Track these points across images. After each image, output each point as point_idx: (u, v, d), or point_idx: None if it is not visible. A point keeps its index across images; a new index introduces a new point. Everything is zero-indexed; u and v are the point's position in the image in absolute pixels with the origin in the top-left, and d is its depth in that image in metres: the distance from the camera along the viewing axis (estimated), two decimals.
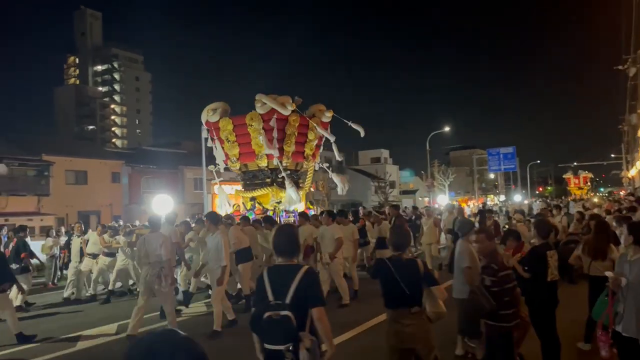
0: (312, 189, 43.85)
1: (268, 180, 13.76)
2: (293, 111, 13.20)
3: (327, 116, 14.34)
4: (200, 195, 25.09)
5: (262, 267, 9.35)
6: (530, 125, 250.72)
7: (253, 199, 13.72)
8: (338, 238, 9.14)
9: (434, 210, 15.99)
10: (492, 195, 74.48)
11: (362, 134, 14.71)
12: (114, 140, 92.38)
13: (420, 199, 64.50)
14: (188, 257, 9.94)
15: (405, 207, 32.23)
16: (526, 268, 5.12)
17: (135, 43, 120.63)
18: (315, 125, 13.80)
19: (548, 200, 35.88)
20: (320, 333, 3.07)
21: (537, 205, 25.63)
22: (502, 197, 72.16)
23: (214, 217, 7.91)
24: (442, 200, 51.40)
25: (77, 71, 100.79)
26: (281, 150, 13.25)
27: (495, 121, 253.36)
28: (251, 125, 13.14)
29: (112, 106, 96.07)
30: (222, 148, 14.05)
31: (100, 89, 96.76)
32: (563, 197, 55.70)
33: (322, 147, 15.16)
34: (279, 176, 13.55)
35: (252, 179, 14.07)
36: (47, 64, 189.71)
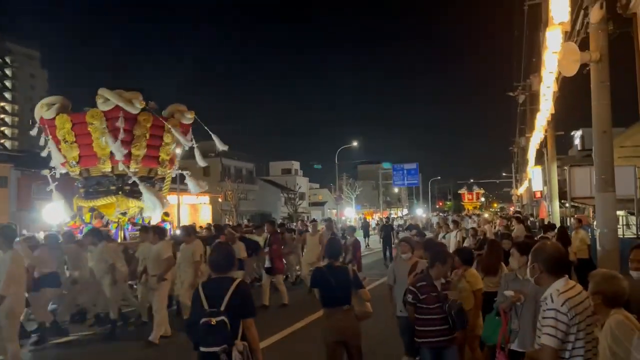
0: (220, 199, 43.10)
1: (113, 187, 12.20)
2: (144, 110, 11.87)
3: (188, 117, 13.14)
4: None
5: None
6: (433, 143, 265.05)
7: (93, 209, 12.17)
8: (167, 257, 7.92)
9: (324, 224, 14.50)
10: (396, 209, 77.59)
11: (220, 148, 13.91)
12: (2, 140, 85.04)
13: (328, 210, 65.65)
14: None
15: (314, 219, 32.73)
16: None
17: (32, 38, 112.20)
18: (170, 127, 12.45)
19: (447, 215, 37.98)
20: (249, 340, 3.49)
21: (435, 220, 27.05)
22: (405, 211, 75.39)
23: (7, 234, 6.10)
24: (349, 212, 52.77)
25: None
26: (128, 154, 11.84)
27: (400, 137, 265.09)
28: (92, 124, 11.54)
29: (2, 104, 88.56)
30: (59, 149, 12.31)
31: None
32: (461, 212, 59.25)
33: (180, 152, 14.10)
34: (127, 183, 12.21)
35: (95, 186, 12.39)
36: None
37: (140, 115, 11.80)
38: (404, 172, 52.07)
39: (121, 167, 11.88)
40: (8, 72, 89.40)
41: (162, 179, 13.66)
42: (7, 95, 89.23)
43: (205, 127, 13.41)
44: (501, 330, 4.29)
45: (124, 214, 12.13)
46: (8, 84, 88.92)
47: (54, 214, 13.57)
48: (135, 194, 12.36)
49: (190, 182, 14.06)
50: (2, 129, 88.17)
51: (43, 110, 12.38)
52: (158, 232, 8.26)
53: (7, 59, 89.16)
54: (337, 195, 49.09)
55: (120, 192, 12.12)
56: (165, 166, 13.14)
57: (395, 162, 57.06)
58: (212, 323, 3.35)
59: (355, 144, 46.41)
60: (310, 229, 13.57)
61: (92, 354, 7.46)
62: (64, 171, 12.85)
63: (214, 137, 13.41)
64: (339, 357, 4.59)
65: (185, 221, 23.28)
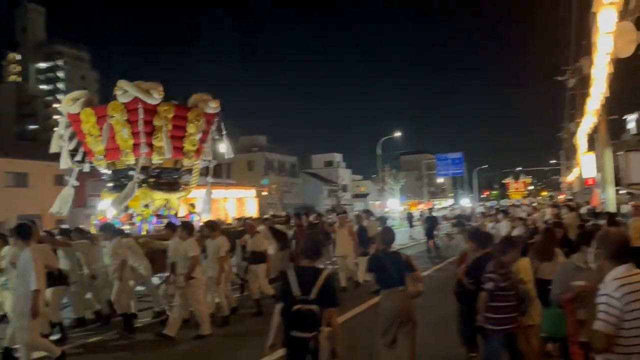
0: (264, 193, 43.55)
1: (137, 180, 11.96)
2: (165, 100, 11.64)
3: (213, 107, 12.71)
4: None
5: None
6: (479, 131, 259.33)
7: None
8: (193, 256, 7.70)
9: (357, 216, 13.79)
10: (440, 199, 76.49)
11: (229, 155, 13.80)
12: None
13: (371, 202, 65.47)
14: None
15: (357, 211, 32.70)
16: (471, 280, 5.27)
17: (82, 40, 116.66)
18: (197, 117, 12.16)
19: (493, 205, 37.14)
20: (333, 328, 3.72)
21: (481, 210, 26.48)
22: (450, 201, 74.23)
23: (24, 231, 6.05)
24: (393, 204, 52.43)
25: (19, 68, 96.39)
26: (150, 146, 11.55)
27: (445, 127, 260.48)
28: (113, 117, 11.33)
29: (56, 105, 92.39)
30: (86, 144, 12.22)
31: (43, 87, 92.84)
32: (499, 201, 57.63)
33: (209, 142, 13.39)
34: (151, 175, 12.02)
35: (121, 179, 12.13)
36: None
37: (161, 106, 11.46)
38: (448, 162, 51.26)
39: (142, 159, 11.51)
40: (60, 74, 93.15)
41: (190, 171, 13.38)
42: (60, 96, 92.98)
43: (222, 129, 13.20)
44: (569, 322, 4.18)
45: (147, 206, 11.90)
46: (61, 85, 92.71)
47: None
48: (160, 186, 12.17)
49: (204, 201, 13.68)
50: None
51: (68, 105, 12.21)
52: (186, 228, 8.01)
53: (59, 62, 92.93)
54: (380, 186, 48.83)
55: (144, 185, 11.86)
56: (191, 157, 12.69)
57: (439, 152, 56.25)
58: (303, 310, 3.62)
59: (398, 134, 46.01)
60: (337, 222, 12.98)
61: (135, 352, 7.33)
62: (81, 167, 12.73)
63: (225, 141, 13.43)
64: (392, 331, 4.97)
65: (233, 214, 23.70)
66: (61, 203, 12.45)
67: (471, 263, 5.50)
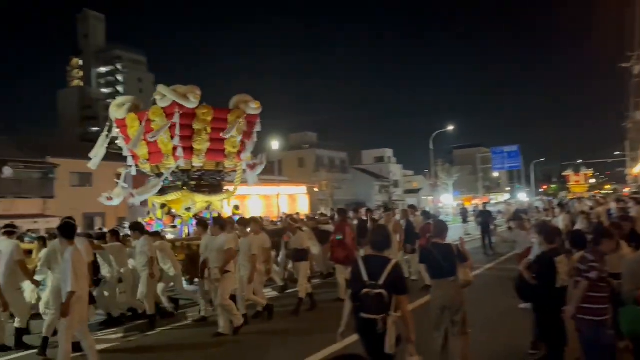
0: (315, 189, 43.74)
1: (179, 183, 12.11)
2: (203, 104, 11.67)
3: (253, 108, 12.58)
4: None
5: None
6: (536, 123, 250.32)
7: (163, 205, 12.27)
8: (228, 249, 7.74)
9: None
10: (496, 194, 74.39)
11: (244, 158, 13.38)
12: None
13: (424, 198, 64.49)
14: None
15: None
16: (534, 275, 5.14)
17: (138, 44, 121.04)
18: (237, 119, 12.05)
19: (552, 199, 35.78)
20: (403, 313, 3.99)
21: (540, 205, 25.53)
22: (507, 196, 72.08)
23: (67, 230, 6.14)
24: (446, 199, 51.46)
25: (81, 73, 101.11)
26: (190, 149, 11.68)
27: (500, 119, 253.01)
28: (154, 121, 11.48)
29: None
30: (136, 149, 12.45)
31: (103, 90, 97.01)
32: (559, 195, 55.31)
33: (251, 143, 13.26)
34: (193, 178, 12.14)
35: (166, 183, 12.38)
36: (52, 67, 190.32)
37: (199, 109, 11.51)
38: (504, 155, 49.64)
39: (181, 162, 11.62)
40: (120, 77, 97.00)
41: (234, 172, 13.32)
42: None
43: (256, 133, 13.08)
44: None
45: (188, 209, 11.95)
46: (120, 88, 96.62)
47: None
48: (201, 188, 12.20)
49: (250, 175, 13.43)
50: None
51: (115, 110, 12.53)
52: (219, 223, 8.11)
53: (118, 66, 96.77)
54: (433, 181, 48.02)
55: (185, 187, 12.01)
56: (232, 159, 12.63)
57: (494, 145, 54.65)
58: (372, 294, 3.87)
59: (450, 128, 45.06)
60: (382, 218, 12.68)
61: (165, 350, 7.31)
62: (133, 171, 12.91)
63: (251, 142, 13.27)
64: (444, 320, 5.17)
65: (285, 211, 23.97)
66: (115, 195, 12.65)
67: (536, 257, 5.37)
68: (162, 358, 6.98)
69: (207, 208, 12.32)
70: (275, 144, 34.92)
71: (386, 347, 3.80)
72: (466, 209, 31.41)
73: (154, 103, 11.66)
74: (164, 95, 11.36)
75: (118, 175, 13.21)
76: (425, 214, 13.30)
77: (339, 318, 4.11)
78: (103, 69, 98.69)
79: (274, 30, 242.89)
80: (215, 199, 12.50)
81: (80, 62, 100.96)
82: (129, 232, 9.92)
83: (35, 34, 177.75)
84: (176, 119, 11.21)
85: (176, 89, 11.46)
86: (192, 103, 11.29)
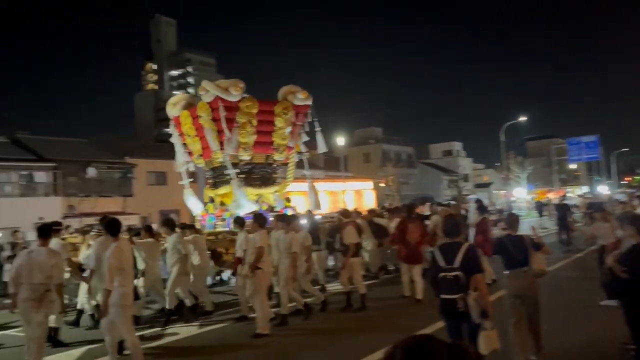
0: (382, 184, 43.33)
1: (228, 177, 11.96)
2: (246, 96, 11.47)
3: (301, 98, 12.23)
4: None
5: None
6: (616, 111, 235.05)
7: (212, 199, 12.29)
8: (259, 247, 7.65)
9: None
10: (573, 187, 70.63)
11: (323, 150, 13.40)
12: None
13: (495, 192, 62.37)
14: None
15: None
16: (625, 268, 4.86)
17: (207, 47, 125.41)
18: (283, 110, 11.84)
19: (635, 191, 33.49)
20: (480, 292, 4.28)
21: (622, 197, 23.95)
22: (585, 189, 68.26)
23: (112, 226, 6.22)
24: (519, 192, 49.47)
25: (155, 77, 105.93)
26: (234, 142, 11.53)
27: (577, 109, 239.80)
28: (201, 117, 11.55)
29: None
30: (187, 144, 12.70)
31: (175, 92, 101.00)
32: None
33: (301, 135, 12.89)
34: (242, 171, 11.93)
35: (218, 177, 12.34)
36: (129, 72, 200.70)
37: (243, 102, 11.34)
38: (581, 146, 47.20)
39: (224, 156, 11.52)
40: (190, 79, 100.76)
41: (286, 164, 13.04)
42: None
43: (315, 122, 12.63)
44: None
45: (236, 202, 11.82)
46: (191, 90, 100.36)
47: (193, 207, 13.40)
48: (252, 181, 12.03)
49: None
50: None
51: (171, 108, 12.73)
52: (257, 220, 8.00)
53: (189, 68, 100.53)
54: (505, 175, 46.28)
55: (233, 181, 11.80)
56: (282, 151, 12.41)
57: (570, 136, 51.98)
58: (449, 276, 4.29)
59: (523, 118, 43.21)
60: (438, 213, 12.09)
61: (202, 348, 7.19)
62: (190, 166, 13.15)
63: (319, 138, 12.93)
64: (518, 310, 5.28)
65: (350, 207, 23.99)
66: (189, 204, 13.07)
67: (627, 250, 5.09)
68: (206, 358, 6.83)
69: (257, 201, 12.16)
70: (340, 140, 34.99)
71: (474, 317, 4.20)
72: (542, 203, 30.14)
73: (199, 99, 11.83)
74: (208, 90, 11.40)
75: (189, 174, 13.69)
76: (481, 208, 12.49)
77: (385, 317, 4.19)
78: (175, 72, 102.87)
79: (339, 28, 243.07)
80: (266, 191, 12.35)
81: (154, 67, 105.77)
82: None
83: (112, 42, 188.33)
84: (221, 113, 11.16)
85: (219, 83, 11.52)
86: (234, 96, 11.18)
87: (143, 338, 7.18)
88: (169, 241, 8.76)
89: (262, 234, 7.69)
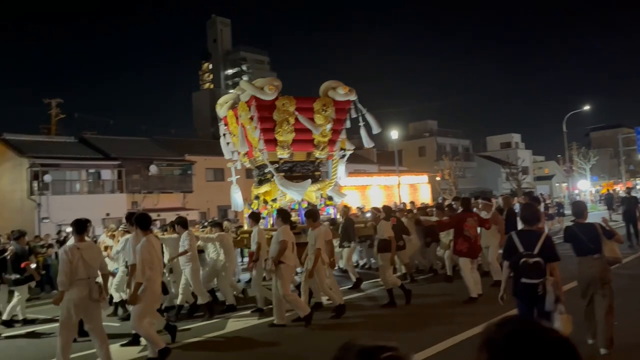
0: (437, 178, 42.63)
1: (269, 175, 12.03)
2: (282, 94, 11.43)
3: (342, 94, 11.95)
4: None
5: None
6: None
7: (257, 197, 12.41)
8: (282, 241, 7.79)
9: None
10: None
11: (375, 130, 12.79)
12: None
13: (557, 185, 59.99)
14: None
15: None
16: None
17: (261, 45, 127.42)
18: (324, 106, 11.65)
19: None
20: (555, 277, 4.58)
21: None
22: None
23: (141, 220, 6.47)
24: (583, 185, 47.36)
25: (211, 76, 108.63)
26: (273, 141, 11.55)
27: None
28: (241, 116, 11.71)
29: None
30: (234, 143, 12.82)
31: (231, 91, 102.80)
32: None
33: (343, 132, 12.72)
34: (282, 169, 11.86)
35: (261, 175, 12.47)
36: (187, 72, 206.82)
37: (279, 100, 11.28)
38: None
39: (262, 154, 11.63)
40: (245, 78, 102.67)
41: (329, 161, 12.90)
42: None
43: (362, 109, 12.31)
44: None
45: (274, 200, 11.88)
46: None
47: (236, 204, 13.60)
48: (292, 179, 11.86)
49: (341, 167, 12.90)
50: None
51: (218, 108, 13.04)
52: (280, 215, 8.16)
53: (244, 67, 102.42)
54: (567, 167, 44.43)
55: (272, 179, 11.80)
56: (322, 149, 12.20)
57: (639, 125, 49.11)
58: (530, 262, 4.56)
59: (586, 108, 41.31)
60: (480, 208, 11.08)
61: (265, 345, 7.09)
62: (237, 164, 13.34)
63: (369, 118, 12.53)
64: (589, 296, 5.45)
65: (406, 200, 23.78)
66: (233, 201, 13.27)
67: None
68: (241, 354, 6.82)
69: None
70: (394, 134, 34.70)
71: (546, 306, 4.45)
72: (612, 195, 28.70)
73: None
74: (244, 90, 11.45)
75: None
76: (534, 199, 11.64)
77: (425, 316, 4.14)
78: (230, 71, 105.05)
79: (393, 20, 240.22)
80: (308, 189, 12.12)
81: (210, 66, 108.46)
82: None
83: (171, 44, 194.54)
84: (255, 111, 11.20)
85: (255, 82, 11.52)
86: (267, 95, 11.07)
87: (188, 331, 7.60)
88: (180, 240, 8.88)
89: (284, 229, 7.83)
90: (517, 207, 10.98)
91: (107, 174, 29.17)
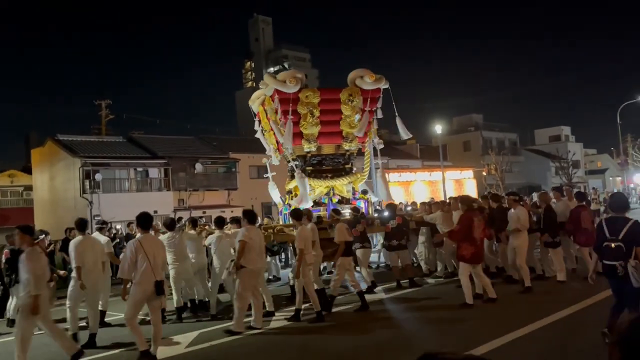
0: (484, 173, 41.56)
1: (297, 170, 11.83)
2: (305, 87, 11.25)
3: (369, 82, 11.32)
4: (369, 183, 25.51)
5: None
6: None
7: (289, 192, 12.27)
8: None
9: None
10: None
11: (404, 136, 12.49)
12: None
13: (610, 178, 57.54)
14: None
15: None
16: None
17: (301, 42, 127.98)
18: (350, 96, 11.26)
19: None
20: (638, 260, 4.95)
21: None
22: None
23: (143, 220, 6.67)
24: (639, 179, 45.20)
25: (253, 75, 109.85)
26: (299, 134, 11.21)
27: None
28: (267, 111, 11.73)
29: None
30: (266, 139, 13.06)
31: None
32: None
33: (374, 123, 12.20)
34: (310, 164, 11.66)
35: (292, 170, 12.20)
36: (231, 71, 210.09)
37: (302, 92, 10.96)
38: None
39: (286, 149, 11.48)
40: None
41: (362, 154, 12.66)
42: None
43: (394, 107, 11.81)
44: None
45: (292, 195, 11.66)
46: None
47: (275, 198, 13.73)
48: (321, 173, 11.71)
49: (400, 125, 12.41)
50: None
51: (251, 104, 12.96)
52: (246, 215, 7.94)
53: (285, 65, 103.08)
54: (621, 159, 42.52)
55: (299, 174, 11.56)
56: (351, 140, 11.75)
57: None
58: (612, 246, 5.04)
59: None
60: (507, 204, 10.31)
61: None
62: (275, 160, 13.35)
63: (398, 124, 12.15)
64: None
65: (451, 195, 23.32)
66: (272, 196, 13.37)
67: None
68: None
69: (327, 194, 11.76)
70: (438, 129, 34.10)
71: (634, 283, 4.85)
72: None
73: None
74: (267, 85, 11.20)
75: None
76: (579, 195, 10.78)
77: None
78: (272, 69, 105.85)
79: (435, 15, 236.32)
80: (338, 183, 11.83)
81: (252, 65, 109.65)
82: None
83: (215, 44, 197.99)
84: (278, 105, 11.00)
85: (279, 76, 11.27)
86: (290, 87, 10.77)
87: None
88: (164, 239, 8.60)
89: (246, 229, 7.57)
90: (555, 204, 10.25)
91: (154, 172, 29.90)
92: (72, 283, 7.72)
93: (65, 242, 10.91)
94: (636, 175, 45.46)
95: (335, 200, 11.54)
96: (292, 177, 12.07)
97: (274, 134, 12.14)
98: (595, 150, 65.48)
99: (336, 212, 10.01)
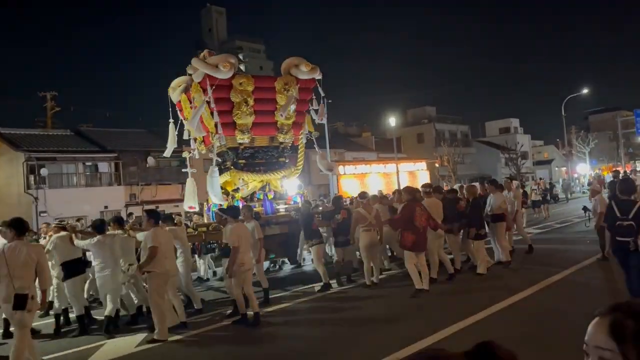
0: (437, 164, 42.22)
1: (228, 163, 11.02)
2: (239, 73, 10.44)
3: (305, 71, 10.85)
4: (326, 176, 25.63)
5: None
6: None
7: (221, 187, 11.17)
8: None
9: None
10: None
11: (317, 119, 11.69)
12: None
13: (556, 168, 59.91)
14: None
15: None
16: None
17: (256, 33, 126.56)
18: (285, 85, 10.66)
19: None
20: None
21: None
22: None
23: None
24: (582, 169, 47.27)
25: None
26: (231, 124, 10.39)
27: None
28: (194, 99, 10.44)
29: None
30: (189, 131, 11.46)
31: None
32: None
33: (309, 113, 11.72)
34: (242, 156, 10.87)
35: (221, 164, 11.12)
36: (181, 62, 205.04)
37: (235, 79, 10.18)
38: None
39: (221, 140, 10.32)
40: (242, 67, 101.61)
41: (296, 147, 11.82)
42: None
43: (322, 92, 11.27)
44: None
45: (236, 190, 10.79)
46: None
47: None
48: (253, 167, 10.96)
49: (319, 161, 12.00)
50: None
51: (170, 93, 11.59)
52: (152, 216, 7.37)
53: (240, 56, 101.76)
54: (566, 150, 44.32)
55: (232, 167, 10.84)
56: (286, 132, 11.09)
57: (638, 107, 48.86)
58: (625, 224, 5.65)
59: (585, 91, 41.09)
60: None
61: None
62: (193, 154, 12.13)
63: (321, 107, 11.55)
64: None
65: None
66: (188, 197, 11.39)
67: None
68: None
69: (262, 189, 11.09)
70: (392, 121, 34.50)
71: None
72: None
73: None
74: (197, 69, 10.09)
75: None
76: (496, 185, 11.11)
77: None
78: None
79: (388, 3, 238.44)
80: (272, 177, 11.16)
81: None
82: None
83: (165, 32, 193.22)
84: (210, 92, 9.90)
85: (209, 60, 10.19)
86: (222, 73, 9.93)
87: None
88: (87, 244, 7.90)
89: (154, 232, 7.00)
90: (490, 198, 10.52)
91: (104, 167, 28.99)
92: None
93: None
94: (580, 165, 47.48)
95: (270, 196, 10.93)
96: (220, 171, 10.92)
97: (202, 125, 10.65)
98: (542, 142, 67.96)
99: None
